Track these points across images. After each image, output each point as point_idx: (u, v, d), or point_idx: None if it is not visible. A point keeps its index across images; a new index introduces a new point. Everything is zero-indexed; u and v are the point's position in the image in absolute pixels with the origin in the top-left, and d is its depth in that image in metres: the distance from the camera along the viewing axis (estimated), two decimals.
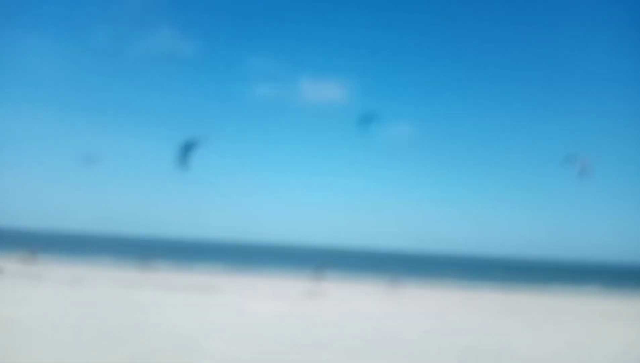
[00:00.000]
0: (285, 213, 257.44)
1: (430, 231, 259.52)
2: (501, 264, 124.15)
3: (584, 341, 16.40)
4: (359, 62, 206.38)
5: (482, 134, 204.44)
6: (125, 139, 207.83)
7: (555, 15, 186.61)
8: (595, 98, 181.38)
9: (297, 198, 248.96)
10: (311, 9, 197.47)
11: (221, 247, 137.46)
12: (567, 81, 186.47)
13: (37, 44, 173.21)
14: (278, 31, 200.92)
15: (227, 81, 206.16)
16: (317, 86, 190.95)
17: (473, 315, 22.39)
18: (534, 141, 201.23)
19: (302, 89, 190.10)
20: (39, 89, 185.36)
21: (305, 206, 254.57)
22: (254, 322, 16.58)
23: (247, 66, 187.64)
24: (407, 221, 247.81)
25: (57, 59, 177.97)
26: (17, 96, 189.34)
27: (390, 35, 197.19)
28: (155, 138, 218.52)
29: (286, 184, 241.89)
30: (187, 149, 22.13)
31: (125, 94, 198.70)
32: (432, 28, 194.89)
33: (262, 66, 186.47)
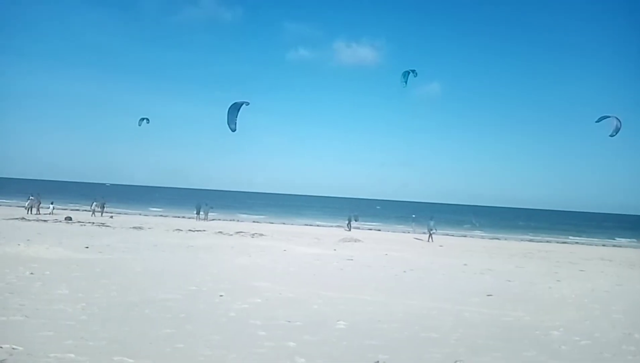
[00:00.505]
0: (320, 167, 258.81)
1: (457, 183, 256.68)
2: (526, 215, 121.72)
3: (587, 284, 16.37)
4: (390, 27, 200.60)
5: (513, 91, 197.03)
6: (178, 102, 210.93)
7: None
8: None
9: (333, 153, 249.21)
10: None
11: (265, 198, 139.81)
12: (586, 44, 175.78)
13: (87, 12, 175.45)
14: None
15: (266, 45, 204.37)
16: (351, 49, 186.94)
17: (495, 260, 22.49)
18: (550, 99, 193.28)
19: (337, 52, 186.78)
20: (88, 53, 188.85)
21: (339, 161, 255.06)
22: (297, 264, 17.24)
23: (285, 31, 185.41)
24: (437, 175, 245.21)
25: (107, 26, 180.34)
26: (69, 60, 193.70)
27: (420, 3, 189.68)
28: (202, 100, 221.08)
29: (323, 141, 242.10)
30: (235, 111, 22.76)
31: (170, 59, 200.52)
32: None
33: (299, 31, 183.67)
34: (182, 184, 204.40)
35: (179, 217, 44.64)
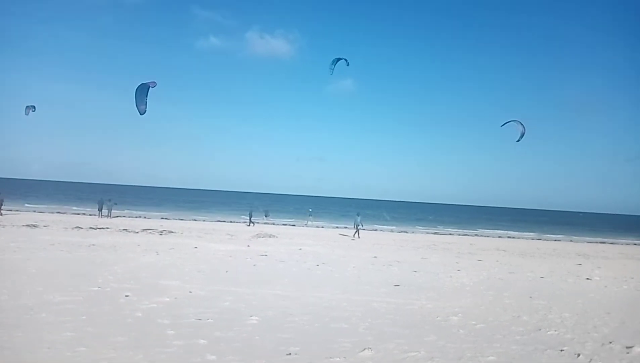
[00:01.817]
0: (233, 161, 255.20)
1: (370, 178, 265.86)
2: (434, 209, 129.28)
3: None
4: (304, 20, 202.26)
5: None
6: (76, 87, 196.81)
7: None
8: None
9: (248, 147, 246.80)
10: None
11: (175, 194, 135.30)
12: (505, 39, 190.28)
13: None
14: None
15: (175, 31, 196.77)
16: (264, 40, 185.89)
17: (403, 252, 23.74)
18: (461, 98, 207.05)
19: (250, 43, 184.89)
20: None
21: (254, 155, 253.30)
22: (208, 262, 16.99)
23: (195, 18, 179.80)
24: (352, 170, 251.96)
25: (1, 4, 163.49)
26: None
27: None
28: (105, 85, 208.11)
29: (237, 134, 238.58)
30: (143, 92, 21.75)
31: (69, 40, 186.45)
32: None
33: (210, 19, 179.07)
34: (82, 179, 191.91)
35: (79, 214, 41.92)
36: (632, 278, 18.78)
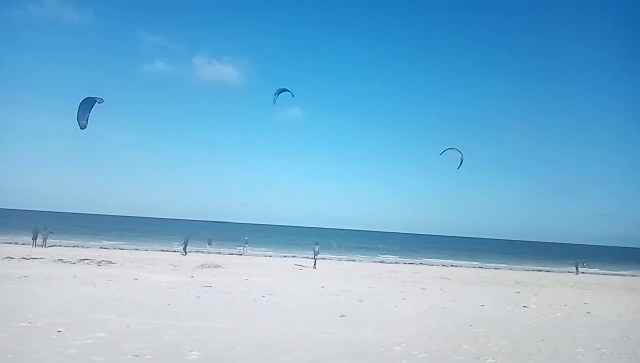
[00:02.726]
0: (178, 188, 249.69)
1: (319, 206, 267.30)
2: (381, 237, 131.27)
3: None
4: (253, 47, 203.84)
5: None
6: (8, 110, 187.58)
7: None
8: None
9: (194, 174, 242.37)
10: None
11: (116, 222, 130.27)
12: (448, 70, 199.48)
13: None
14: (174, 9, 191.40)
15: (120, 53, 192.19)
16: (213, 66, 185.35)
17: (350, 281, 23.87)
18: (406, 125, 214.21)
19: (198, 68, 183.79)
20: None
21: (199, 181, 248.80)
22: (148, 294, 16.39)
23: (141, 41, 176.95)
24: (301, 198, 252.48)
25: None
26: None
27: (284, 24, 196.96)
28: (43, 109, 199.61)
29: (182, 161, 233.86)
30: (87, 106, 21.04)
31: (6, 61, 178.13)
32: (323, 20, 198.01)
33: (157, 43, 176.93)
34: (15, 205, 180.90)
35: (10, 243, 39.41)
36: (566, 305, 19.72)
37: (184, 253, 38.04)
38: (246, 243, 48.56)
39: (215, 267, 27.47)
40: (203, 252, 42.95)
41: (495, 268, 46.00)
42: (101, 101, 19.68)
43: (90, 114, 19.61)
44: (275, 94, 28.08)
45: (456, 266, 46.57)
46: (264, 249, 55.13)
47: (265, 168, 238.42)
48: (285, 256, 44.99)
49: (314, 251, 33.51)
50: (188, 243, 39.84)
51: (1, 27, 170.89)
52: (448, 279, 29.31)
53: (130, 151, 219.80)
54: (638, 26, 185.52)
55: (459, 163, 28.98)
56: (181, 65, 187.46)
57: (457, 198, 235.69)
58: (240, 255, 43.45)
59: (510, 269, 46.29)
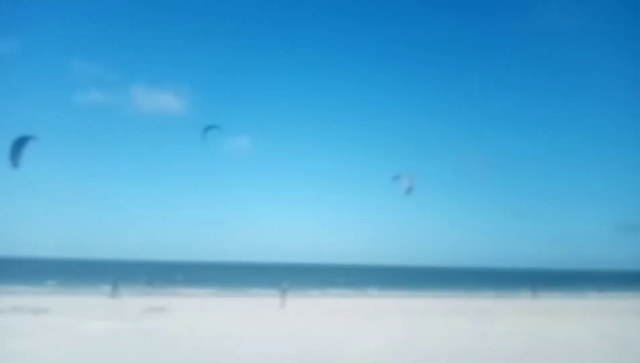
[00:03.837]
0: (116, 226, 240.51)
1: (270, 240, 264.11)
2: (339, 270, 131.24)
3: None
4: (195, 74, 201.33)
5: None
6: None
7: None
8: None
9: (131, 210, 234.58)
10: (143, 14, 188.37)
11: (51, 265, 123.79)
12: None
13: None
14: (107, 36, 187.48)
15: (50, 84, 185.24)
16: (152, 95, 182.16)
17: (306, 319, 23.55)
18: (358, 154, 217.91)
19: (135, 98, 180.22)
20: None
21: (136, 219, 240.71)
22: (85, 343, 15.50)
23: (72, 70, 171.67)
24: (249, 233, 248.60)
25: None
26: None
27: (228, 50, 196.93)
28: None
29: (118, 197, 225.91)
30: (19, 145, 20.53)
31: None
32: (270, 43, 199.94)
33: (89, 72, 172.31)
34: None
35: None
36: (524, 331, 20.20)
37: (114, 297, 35.63)
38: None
39: (161, 311, 26.42)
40: (148, 295, 41.27)
41: (454, 298, 46.71)
42: (35, 138, 19.15)
43: (23, 151, 19.02)
44: (204, 131, 28.80)
45: (414, 297, 46.94)
46: (214, 289, 53.68)
47: (213, 202, 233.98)
48: (236, 296, 43.94)
49: (281, 288, 32.54)
50: (117, 285, 37.19)
51: None
52: (406, 312, 29.48)
53: (62, 187, 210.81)
54: None
55: (406, 189, 29.34)
56: (118, 94, 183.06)
57: (411, 226, 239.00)
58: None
59: (469, 298, 47.12)
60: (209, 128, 29.27)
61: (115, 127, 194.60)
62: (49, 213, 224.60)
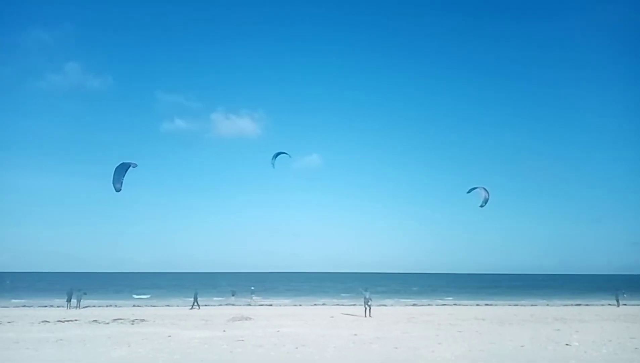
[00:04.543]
0: (205, 242, 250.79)
1: (344, 251, 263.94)
2: (408, 279, 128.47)
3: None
4: (269, 100, 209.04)
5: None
6: (41, 175, 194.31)
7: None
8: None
9: (218, 226, 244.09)
10: (221, 47, 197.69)
11: (147, 278, 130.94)
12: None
13: None
14: (189, 69, 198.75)
15: (139, 115, 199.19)
16: (230, 120, 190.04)
17: (382, 327, 23.21)
18: (421, 172, 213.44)
19: (215, 124, 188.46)
20: None
21: (223, 233, 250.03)
22: (181, 352, 16.22)
23: (158, 101, 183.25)
24: (325, 244, 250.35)
25: None
26: None
27: (299, 75, 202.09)
28: (69, 172, 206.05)
29: (206, 215, 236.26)
30: (122, 171, 22.16)
31: (30, 129, 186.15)
32: (337, 67, 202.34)
33: (174, 102, 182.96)
34: (51, 268, 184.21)
35: (46, 307, 39.84)
36: (610, 341, 18.75)
37: (197, 307, 37.10)
38: (252, 292, 47.97)
39: (246, 320, 27.15)
40: (236, 305, 42.65)
41: (532, 305, 44.27)
42: (135, 165, 20.56)
43: (124, 178, 20.47)
44: (273, 158, 29.44)
45: (490, 305, 44.99)
46: (293, 298, 54.51)
47: (290, 216, 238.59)
48: (315, 305, 44.29)
49: (365, 297, 31.07)
50: (197, 297, 38.51)
51: (28, 98, 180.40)
52: (484, 319, 28.28)
53: (154, 208, 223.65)
54: None
55: (483, 201, 28.64)
56: (199, 122, 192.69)
57: (484, 234, 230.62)
58: (249, 304, 42.85)
59: (547, 305, 44.50)
60: (277, 154, 30.10)
61: (197, 151, 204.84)
62: (142, 232, 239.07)
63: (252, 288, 50.62)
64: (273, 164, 29.58)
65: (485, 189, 29.33)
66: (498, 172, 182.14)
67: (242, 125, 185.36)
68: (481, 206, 29.11)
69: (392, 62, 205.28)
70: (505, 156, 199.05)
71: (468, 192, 29.59)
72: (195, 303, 37.59)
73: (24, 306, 40.96)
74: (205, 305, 41.68)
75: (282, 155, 29.96)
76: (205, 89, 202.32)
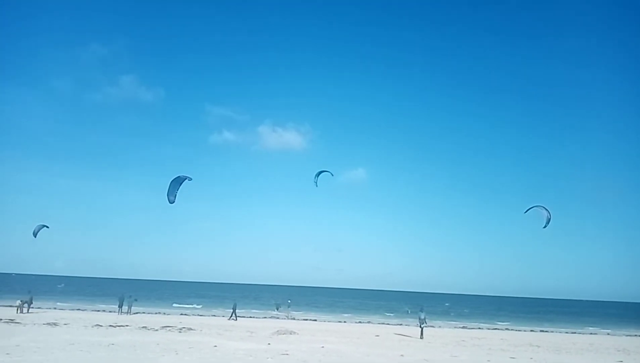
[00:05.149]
0: (250, 254, 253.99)
1: (391, 268, 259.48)
2: (457, 300, 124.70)
3: None
4: (314, 113, 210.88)
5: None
6: (96, 185, 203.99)
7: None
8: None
9: (264, 239, 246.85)
10: (269, 61, 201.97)
11: (194, 288, 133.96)
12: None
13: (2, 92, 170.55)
14: (238, 82, 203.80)
15: (189, 127, 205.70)
16: (277, 133, 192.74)
17: (430, 349, 22.59)
18: (475, 186, 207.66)
19: (262, 136, 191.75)
20: (4, 135, 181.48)
21: (269, 246, 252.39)
22: (224, 361, 16.41)
23: (208, 114, 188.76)
24: (370, 260, 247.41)
25: (23, 106, 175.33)
26: None
27: (345, 89, 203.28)
28: (122, 183, 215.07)
29: (252, 227, 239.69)
30: (177, 184, 23.07)
31: (87, 140, 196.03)
32: (383, 80, 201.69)
33: (223, 114, 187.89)
34: (104, 274, 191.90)
35: (99, 311, 41.51)
36: None
37: (234, 319, 37.53)
38: (289, 306, 47.86)
39: (290, 334, 27.18)
40: (278, 318, 42.86)
41: (591, 334, 41.94)
42: (190, 179, 21.28)
43: (178, 191, 21.21)
44: (315, 177, 29.87)
45: (546, 331, 42.94)
46: (337, 314, 54.18)
47: (334, 231, 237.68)
48: (360, 322, 43.79)
49: (420, 318, 29.81)
50: (236, 308, 39.56)
51: (86, 110, 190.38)
52: (538, 346, 27.02)
53: (202, 220, 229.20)
54: None
55: (545, 222, 27.50)
56: (247, 134, 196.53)
57: (540, 256, 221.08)
58: (286, 317, 42.87)
59: (608, 334, 42.00)
60: (320, 173, 30.49)
61: (244, 164, 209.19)
62: (191, 242, 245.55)
63: (289, 301, 50.71)
64: (316, 183, 30.02)
65: (545, 208, 28.16)
66: (555, 191, 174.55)
67: (289, 138, 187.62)
68: (544, 226, 27.98)
69: (442, 76, 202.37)
70: (569, 176, 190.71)
71: (525, 212, 28.58)
72: (234, 314, 38.26)
73: (78, 309, 42.81)
74: (250, 317, 42.16)
75: (324, 173, 30.25)
76: (253, 102, 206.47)
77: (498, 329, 42.98)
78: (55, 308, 42.16)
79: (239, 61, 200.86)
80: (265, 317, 43.22)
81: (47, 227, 32.86)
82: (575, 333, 41.94)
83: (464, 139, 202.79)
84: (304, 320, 42.69)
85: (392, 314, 58.23)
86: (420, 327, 29.40)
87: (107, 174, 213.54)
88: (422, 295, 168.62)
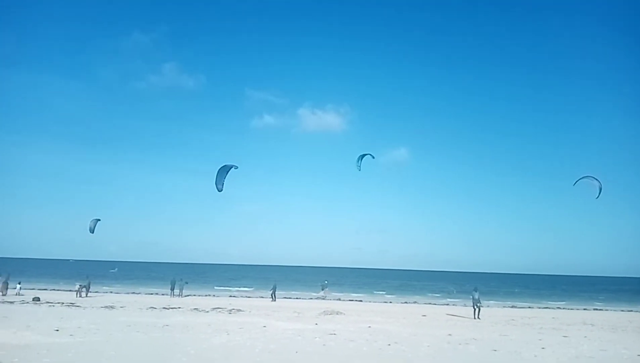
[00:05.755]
0: (294, 236, 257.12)
1: (434, 249, 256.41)
2: (506, 280, 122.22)
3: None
4: (354, 93, 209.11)
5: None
6: (144, 172, 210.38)
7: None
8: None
9: (307, 221, 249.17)
10: (307, 44, 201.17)
11: (241, 270, 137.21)
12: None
13: (46, 82, 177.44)
14: (277, 66, 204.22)
15: (230, 112, 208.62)
16: (316, 116, 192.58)
17: (479, 328, 22.38)
18: (510, 162, 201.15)
19: (302, 119, 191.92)
20: (50, 123, 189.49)
21: (310, 228, 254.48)
22: (277, 342, 16.85)
23: (248, 99, 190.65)
24: (413, 241, 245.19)
25: (67, 95, 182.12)
26: (28, 131, 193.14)
27: (384, 69, 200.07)
28: (168, 169, 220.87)
29: (296, 209, 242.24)
30: (224, 172, 23.74)
31: (135, 130, 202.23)
32: (424, 60, 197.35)
33: (263, 98, 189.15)
34: (154, 258, 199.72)
35: (152, 294, 43.34)
36: None
37: (273, 300, 38.59)
38: (325, 286, 48.23)
39: (337, 314, 27.55)
40: (324, 299, 43.44)
41: None
42: (236, 167, 21.80)
43: (225, 179, 21.79)
44: (358, 161, 29.53)
45: (600, 309, 41.70)
46: (382, 295, 54.39)
47: (376, 212, 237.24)
48: (406, 302, 43.83)
49: (474, 298, 29.34)
50: (276, 289, 40.52)
51: (130, 98, 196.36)
52: (593, 325, 26.29)
53: (246, 203, 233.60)
54: None
55: (598, 192, 26.73)
56: (287, 117, 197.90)
57: (592, 233, 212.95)
58: (324, 298, 43.25)
59: None
60: (362, 157, 30.17)
61: (285, 147, 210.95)
62: (238, 226, 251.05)
63: (326, 281, 51.12)
64: (359, 167, 29.75)
65: (595, 178, 27.28)
66: (607, 165, 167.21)
67: (328, 120, 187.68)
68: (597, 197, 27.26)
69: (483, 57, 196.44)
70: (613, 154, 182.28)
71: (575, 184, 27.79)
72: (273, 295, 39.24)
73: (133, 292, 44.85)
74: (297, 299, 42.95)
75: (367, 156, 30.02)
76: (292, 85, 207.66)
77: (549, 308, 42.04)
78: (111, 292, 44.35)
79: (278, 45, 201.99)
80: (311, 299, 43.91)
81: (99, 220, 34.59)
82: (631, 311, 40.51)
83: (511, 113, 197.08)
84: (350, 300, 43.12)
85: (438, 294, 57.91)
86: (475, 307, 28.96)
87: (153, 161, 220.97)
88: (466, 274, 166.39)
